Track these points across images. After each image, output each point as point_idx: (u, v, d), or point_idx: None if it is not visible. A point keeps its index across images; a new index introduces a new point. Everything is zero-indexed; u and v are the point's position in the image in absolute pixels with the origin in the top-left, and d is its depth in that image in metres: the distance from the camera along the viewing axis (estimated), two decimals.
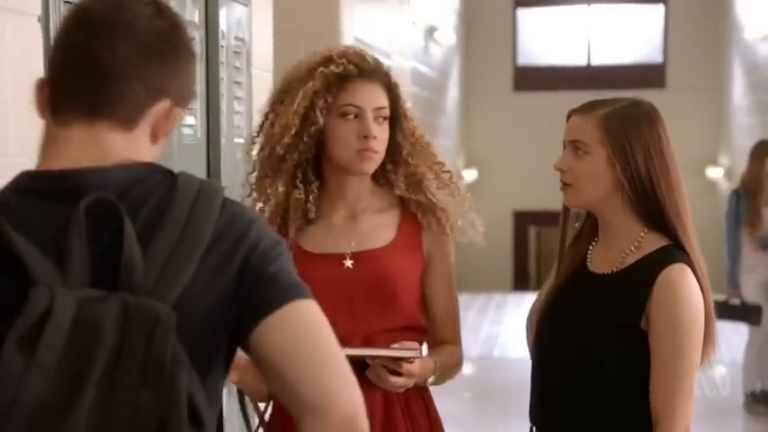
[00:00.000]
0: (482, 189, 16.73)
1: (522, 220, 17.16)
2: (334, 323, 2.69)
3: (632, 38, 17.09)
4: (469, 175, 16.71)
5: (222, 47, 3.70)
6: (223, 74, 3.73)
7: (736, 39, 14.72)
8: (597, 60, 17.09)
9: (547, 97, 16.46)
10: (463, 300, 12.43)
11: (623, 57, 17.01)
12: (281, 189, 2.85)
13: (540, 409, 2.80)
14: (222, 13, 3.74)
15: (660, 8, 16.92)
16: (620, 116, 2.67)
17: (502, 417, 8.04)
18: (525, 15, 17.27)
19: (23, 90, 1.88)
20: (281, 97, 2.83)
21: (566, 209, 2.84)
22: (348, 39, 5.41)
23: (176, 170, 1.69)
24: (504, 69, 17.05)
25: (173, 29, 1.70)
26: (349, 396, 1.62)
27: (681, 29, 16.55)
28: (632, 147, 2.64)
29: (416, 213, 2.88)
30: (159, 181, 1.65)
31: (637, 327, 2.62)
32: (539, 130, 16.24)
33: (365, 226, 2.86)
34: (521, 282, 16.98)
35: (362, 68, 2.81)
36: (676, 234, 2.66)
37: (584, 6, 17.18)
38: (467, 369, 9.70)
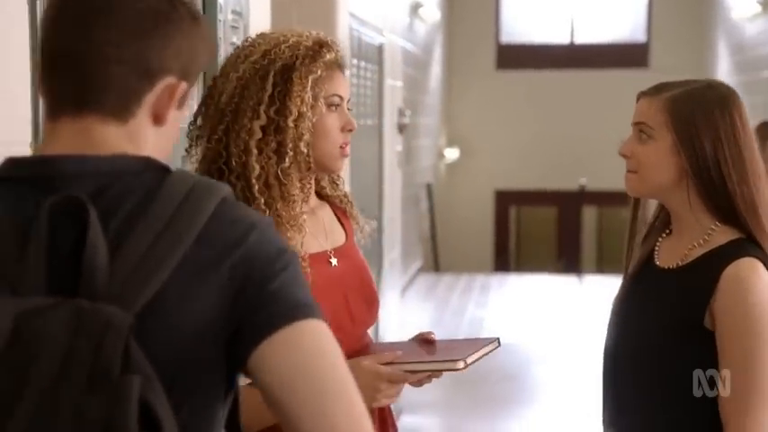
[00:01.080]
0: (464, 168, 16.83)
1: (504, 200, 17.18)
2: (339, 329, 2.52)
3: (616, 16, 17.06)
4: (451, 153, 16.79)
5: (220, 21, 3.58)
6: (221, 51, 3.60)
7: (721, 18, 14.77)
8: (580, 39, 17.05)
9: (530, 76, 16.58)
10: (445, 281, 12.33)
11: (606, 36, 16.99)
12: (298, 192, 2.60)
13: (610, 415, 2.66)
14: None
15: None
16: (689, 99, 2.50)
17: (484, 405, 8.00)
18: None
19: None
20: (259, 84, 2.55)
21: (636, 199, 2.69)
22: (343, 14, 5.38)
23: (173, 159, 1.55)
24: (487, 47, 17.03)
25: None
26: None
27: (664, 8, 16.59)
28: (700, 133, 2.48)
29: (344, 208, 2.77)
30: (148, 177, 1.55)
31: (700, 325, 2.45)
32: (521, 109, 16.39)
33: (325, 222, 2.71)
34: (502, 262, 17.03)
35: (343, 57, 2.68)
36: (750, 229, 2.48)
37: None
38: None
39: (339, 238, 2.71)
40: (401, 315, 8.66)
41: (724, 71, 14.57)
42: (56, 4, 1.58)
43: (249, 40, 2.66)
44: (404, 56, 10.18)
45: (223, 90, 2.56)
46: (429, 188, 15.21)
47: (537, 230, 17.53)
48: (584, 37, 16.99)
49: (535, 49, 17.03)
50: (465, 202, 16.74)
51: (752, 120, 8.98)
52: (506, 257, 17.20)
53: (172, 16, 1.57)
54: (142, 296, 1.46)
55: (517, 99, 16.44)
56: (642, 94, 2.59)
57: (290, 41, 2.56)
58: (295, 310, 1.53)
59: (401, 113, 8.32)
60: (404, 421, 7.23)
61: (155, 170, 1.56)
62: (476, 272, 14.94)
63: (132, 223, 1.49)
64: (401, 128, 8.42)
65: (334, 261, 2.65)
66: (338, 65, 2.62)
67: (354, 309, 2.64)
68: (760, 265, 2.45)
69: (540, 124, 16.21)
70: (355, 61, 6.03)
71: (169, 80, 1.58)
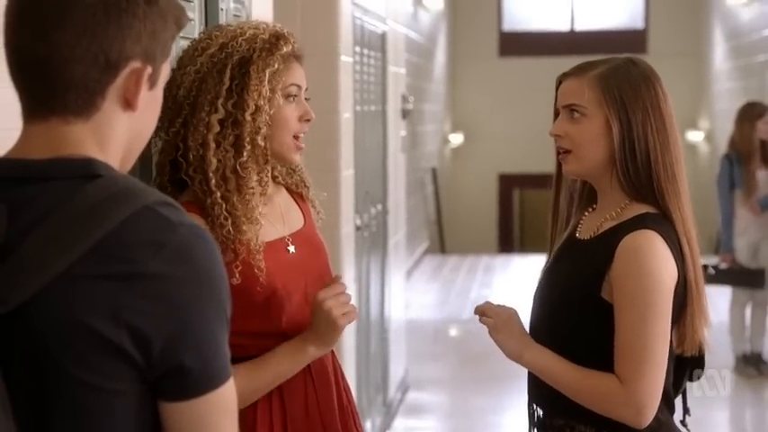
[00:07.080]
0: (468, 152, 16.94)
1: (507, 183, 17.31)
2: (298, 310, 2.62)
3: (614, 4, 17.23)
4: (456, 138, 16.91)
5: (222, 10, 3.35)
6: None
7: (717, 4, 14.87)
8: (580, 26, 17.24)
9: (531, 62, 16.65)
10: (451, 262, 12.35)
11: (605, 23, 17.15)
12: (256, 184, 2.60)
13: (530, 385, 2.71)
14: None
15: None
16: (616, 74, 2.52)
17: (490, 381, 7.99)
18: None
19: None
20: (217, 78, 2.56)
21: (558, 177, 2.70)
22: (345, 3, 5.40)
23: None
24: (490, 35, 17.17)
25: None
26: None
27: None
28: (628, 106, 2.50)
29: (302, 192, 2.80)
30: (71, 183, 1.52)
31: (597, 296, 2.49)
32: (524, 95, 16.45)
33: (281, 207, 2.72)
34: (506, 244, 17.13)
35: (300, 49, 2.68)
36: (663, 197, 2.52)
37: None
38: (456, 332, 9.62)
39: (297, 222, 2.73)
40: (407, 295, 8.68)
41: (720, 56, 14.69)
42: (14, 3, 1.56)
43: (206, 32, 2.65)
44: (408, 44, 10.24)
45: (181, 83, 2.56)
46: (434, 172, 15.29)
47: (539, 212, 17.55)
48: (584, 24, 17.17)
49: (536, 36, 17.22)
50: (469, 185, 16.84)
51: (739, 101, 9.01)
52: (510, 239, 17.28)
53: (123, 5, 1.53)
54: (18, 295, 1.45)
55: (519, 85, 16.52)
56: (565, 76, 2.60)
57: (247, 34, 2.56)
58: (201, 382, 1.54)
59: (405, 99, 8.39)
60: (410, 397, 7.29)
61: (81, 176, 1.53)
62: (480, 253, 15.04)
63: (35, 226, 1.48)
64: (405, 113, 8.49)
65: (291, 248, 2.66)
66: (295, 56, 2.63)
67: (311, 291, 2.63)
68: (657, 237, 2.46)
69: (542, 109, 15.96)
70: (358, 49, 6.00)
71: (133, 66, 1.56)
